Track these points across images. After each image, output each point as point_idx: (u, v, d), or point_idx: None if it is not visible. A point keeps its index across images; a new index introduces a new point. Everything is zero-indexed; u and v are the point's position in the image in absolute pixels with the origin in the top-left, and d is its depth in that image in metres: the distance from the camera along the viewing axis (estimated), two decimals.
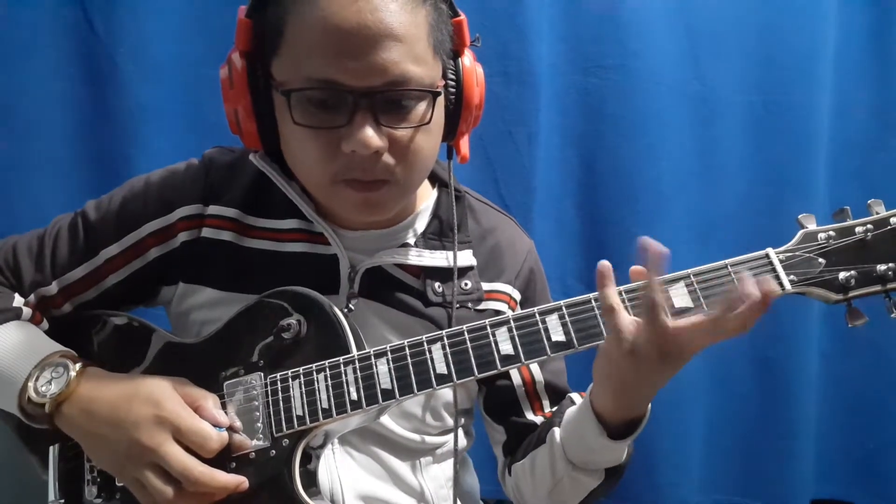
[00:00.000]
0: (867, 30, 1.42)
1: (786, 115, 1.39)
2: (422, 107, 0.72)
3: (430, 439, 0.88)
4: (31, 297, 0.81)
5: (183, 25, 1.27)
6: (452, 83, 0.76)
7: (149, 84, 1.26)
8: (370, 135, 0.68)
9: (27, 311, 0.79)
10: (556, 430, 0.80)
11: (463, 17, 0.76)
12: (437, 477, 0.89)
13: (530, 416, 0.88)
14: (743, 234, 1.41)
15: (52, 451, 0.77)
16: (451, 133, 0.79)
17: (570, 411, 0.81)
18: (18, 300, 0.80)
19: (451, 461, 0.91)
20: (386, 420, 0.83)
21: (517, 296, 0.89)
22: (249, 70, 0.72)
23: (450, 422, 0.89)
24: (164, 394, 0.70)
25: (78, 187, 1.24)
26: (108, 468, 0.73)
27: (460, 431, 0.87)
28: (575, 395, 0.87)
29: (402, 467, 0.86)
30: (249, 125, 0.74)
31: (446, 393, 0.85)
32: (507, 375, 0.88)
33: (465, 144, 0.83)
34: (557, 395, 0.89)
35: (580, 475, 0.78)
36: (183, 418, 0.69)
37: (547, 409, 0.89)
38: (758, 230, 1.40)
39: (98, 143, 1.26)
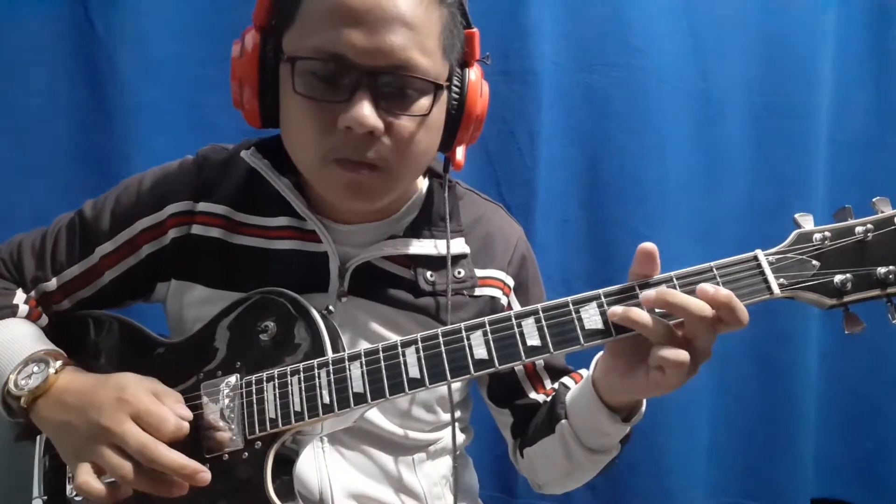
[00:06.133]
0: (867, 30, 1.41)
1: (786, 114, 1.38)
2: (424, 100, 0.72)
3: (423, 436, 0.87)
4: (33, 293, 0.83)
5: (183, 25, 1.27)
6: (457, 92, 0.77)
7: (148, 83, 1.26)
8: (366, 112, 0.68)
9: (24, 309, 0.81)
10: (565, 423, 0.81)
11: (475, 30, 0.77)
12: (431, 475, 0.88)
13: (533, 395, 0.89)
14: (743, 234, 1.39)
15: (39, 441, 0.78)
16: (448, 142, 0.79)
17: (572, 401, 0.81)
18: (19, 297, 0.82)
19: (445, 458, 0.91)
20: (377, 417, 0.82)
21: (511, 282, 0.89)
22: (261, 44, 0.72)
23: (444, 417, 0.89)
24: (129, 381, 0.71)
25: (77, 187, 1.24)
26: (68, 459, 0.72)
27: (456, 426, 0.86)
28: (567, 380, 0.88)
29: (394, 465, 0.85)
30: (252, 99, 0.74)
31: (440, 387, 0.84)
32: None
33: (460, 153, 0.82)
34: (557, 373, 0.90)
35: (600, 456, 0.80)
36: (142, 402, 0.69)
37: (548, 387, 0.90)
38: (758, 230, 1.38)
39: (97, 142, 1.26)
